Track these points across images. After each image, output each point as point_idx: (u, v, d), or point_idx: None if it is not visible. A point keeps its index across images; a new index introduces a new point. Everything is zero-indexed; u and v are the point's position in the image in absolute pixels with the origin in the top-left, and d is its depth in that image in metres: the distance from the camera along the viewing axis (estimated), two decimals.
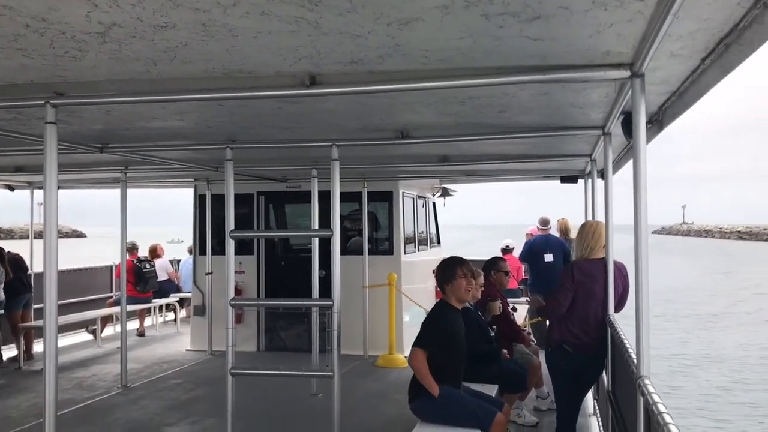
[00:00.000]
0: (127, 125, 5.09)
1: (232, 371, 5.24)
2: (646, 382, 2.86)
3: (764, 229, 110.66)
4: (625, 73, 3.00)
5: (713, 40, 2.62)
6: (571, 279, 4.93)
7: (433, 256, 10.86)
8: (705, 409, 12.54)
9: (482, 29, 2.55)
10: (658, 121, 4.31)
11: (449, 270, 4.82)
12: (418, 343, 4.65)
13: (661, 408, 2.48)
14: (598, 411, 6.34)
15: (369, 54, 2.95)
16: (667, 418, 2.36)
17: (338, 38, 2.71)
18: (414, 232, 10.66)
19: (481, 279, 5.93)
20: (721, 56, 2.74)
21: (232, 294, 5.38)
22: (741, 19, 2.33)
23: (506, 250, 12.08)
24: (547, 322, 6.69)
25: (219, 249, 9.26)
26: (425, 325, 4.76)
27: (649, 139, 4.73)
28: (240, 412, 5.63)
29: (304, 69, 3.25)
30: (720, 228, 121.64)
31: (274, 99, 3.94)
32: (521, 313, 10.00)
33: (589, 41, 2.71)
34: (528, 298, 9.94)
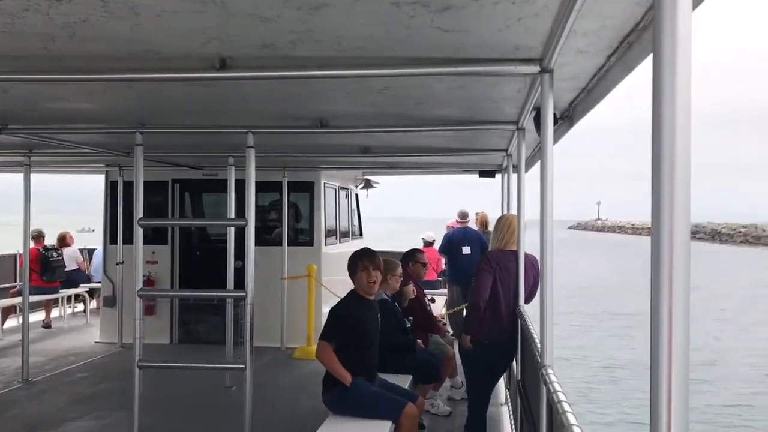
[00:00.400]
0: (28, 105, 4.82)
1: (140, 364, 5.08)
2: (549, 371, 2.93)
3: None
4: (535, 69, 3.04)
5: (617, 38, 2.69)
6: (489, 264, 5.04)
7: (355, 248, 10.82)
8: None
9: (393, 18, 2.52)
10: (568, 118, 4.42)
11: (352, 263, 4.87)
12: (323, 336, 4.66)
13: (561, 396, 2.54)
14: (509, 400, 6.49)
15: (281, 38, 2.88)
16: (566, 407, 2.42)
17: (247, 20, 2.62)
18: (336, 223, 10.60)
19: (399, 270, 5.96)
20: (624, 54, 2.82)
21: (140, 284, 5.22)
22: (641, 18, 2.40)
23: (427, 243, 12.21)
24: (464, 313, 6.81)
25: (130, 238, 8.93)
26: (331, 317, 4.75)
27: (560, 135, 4.85)
28: (149, 406, 5.47)
29: (214, 52, 3.15)
30: (632, 224, 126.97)
31: (185, 82, 3.81)
32: (439, 304, 10.15)
33: (499, 35, 2.73)
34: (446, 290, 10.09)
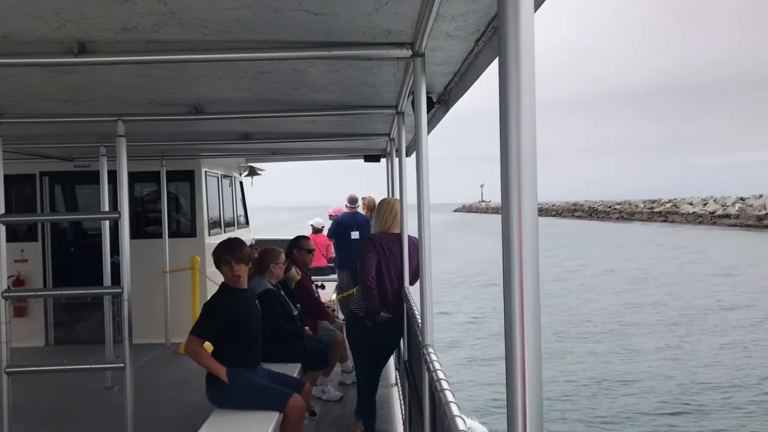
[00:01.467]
0: None
1: (7, 370, 4.76)
2: (430, 350, 2.99)
3: (552, 205, 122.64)
4: (407, 53, 3.06)
5: (483, 22, 2.75)
6: (373, 245, 5.08)
7: (242, 237, 10.62)
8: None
9: (259, 0, 2.45)
10: (444, 101, 4.50)
11: (215, 257, 4.71)
12: (193, 331, 4.50)
13: (440, 375, 2.60)
14: (399, 381, 6.60)
15: (142, 21, 2.74)
16: (444, 384, 2.48)
17: (103, 2, 2.48)
18: (219, 213, 10.33)
19: (282, 258, 5.90)
20: (491, 38, 2.89)
21: (5, 285, 4.88)
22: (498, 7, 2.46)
23: (316, 229, 12.16)
24: (353, 295, 6.82)
25: None
26: (204, 312, 4.60)
27: (438, 118, 4.95)
28: (21, 415, 5.14)
29: (71, 35, 2.95)
30: None
31: (43, 68, 3.56)
32: (329, 290, 10.14)
33: (369, 18, 2.72)
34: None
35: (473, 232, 67.72)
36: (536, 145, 1.16)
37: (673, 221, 79.10)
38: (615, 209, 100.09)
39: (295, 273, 6.31)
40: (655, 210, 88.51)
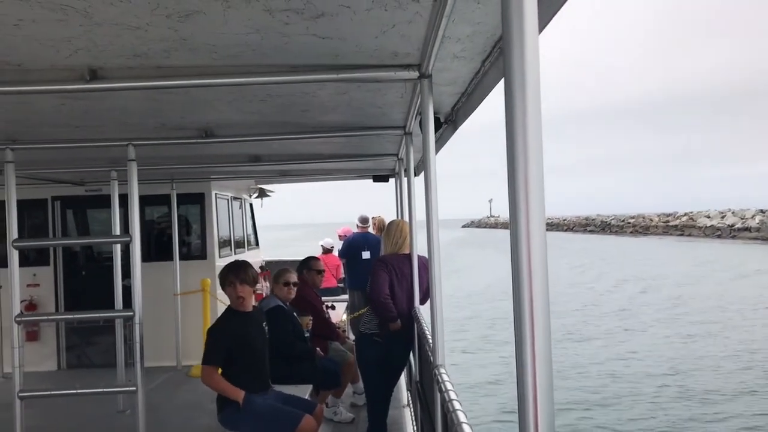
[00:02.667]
0: None
1: (21, 395, 4.78)
2: (441, 371, 2.98)
3: (563, 220, 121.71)
4: (414, 74, 3.09)
5: (489, 43, 2.78)
6: (384, 266, 5.10)
7: (252, 258, 10.65)
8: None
9: (268, 25, 2.49)
10: (452, 121, 4.53)
11: (221, 279, 4.73)
12: (205, 360, 4.49)
13: (452, 395, 2.59)
14: (410, 402, 6.56)
15: (153, 47, 2.78)
16: (456, 405, 2.47)
17: (115, 30, 2.52)
18: (230, 234, 10.37)
19: (289, 277, 5.91)
20: (498, 59, 2.92)
21: (17, 309, 4.92)
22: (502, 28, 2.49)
23: (326, 249, 12.18)
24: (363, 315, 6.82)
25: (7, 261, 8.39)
26: (209, 338, 4.58)
27: (446, 138, 4.97)
28: None
29: (83, 62, 3.00)
30: None
31: (55, 95, 3.62)
32: (340, 311, 10.14)
33: (376, 41, 2.75)
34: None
35: (485, 248, 66.37)
36: (543, 164, 1.17)
37: (690, 235, 77.85)
38: (629, 223, 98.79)
39: (306, 322, 6.26)
40: (671, 224, 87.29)
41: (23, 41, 2.66)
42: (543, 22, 1.97)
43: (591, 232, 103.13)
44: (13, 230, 4.93)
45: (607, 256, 52.46)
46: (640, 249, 60.12)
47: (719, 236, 71.91)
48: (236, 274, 4.62)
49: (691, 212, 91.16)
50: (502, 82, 3.07)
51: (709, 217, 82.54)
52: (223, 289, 4.72)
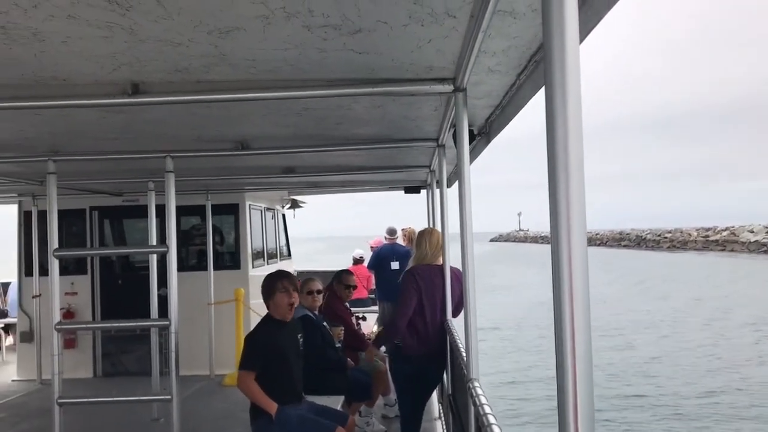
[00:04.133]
0: None
1: (59, 401, 4.88)
2: (476, 384, 2.97)
3: (596, 234, 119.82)
4: (449, 88, 3.11)
5: (525, 57, 2.79)
6: (415, 281, 5.06)
7: (284, 269, 10.71)
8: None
9: (306, 41, 2.54)
10: (486, 134, 4.53)
11: (269, 285, 4.69)
12: (242, 365, 4.49)
13: (487, 409, 2.58)
14: (442, 414, 6.53)
15: (193, 63, 2.85)
16: (492, 419, 2.46)
17: (157, 45, 2.59)
18: (263, 245, 10.47)
19: (317, 286, 5.96)
20: (533, 73, 2.93)
21: (57, 317, 5.04)
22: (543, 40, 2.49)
23: (357, 260, 12.22)
24: None
25: (47, 269, 8.59)
26: (247, 345, 4.58)
27: (479, 150, 4.97)
28: None
29: (125, 77, 3.08)
30: None
31: (97, 108, 3.71)
32: (370, 322, 10.14)
33: (412, 55, 2.78)
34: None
35: (518, 264, 63.51)
36: (584, 175, 1.17)
37: (732, 250, 74.86)
38: (665, 238, 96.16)
39: (338, 333, 6.28)
40: (711, 238, 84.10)
41: (69, 57, 2.74)
42: (583, 33, 1.98)
43: (625, 246, 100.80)
44: (53, 239, 5.05)
45: (660, 273, 48.08)
46: (692, 265, 55.87)
47: (766, 251, 68.63)
48: (290, 281, 4.65)
49: (733, 226, 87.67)
50: (536, 96, 3.08)
51: (752, 231, 79.12)
52: (271, 296, 4.64)
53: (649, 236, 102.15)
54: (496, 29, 2.35)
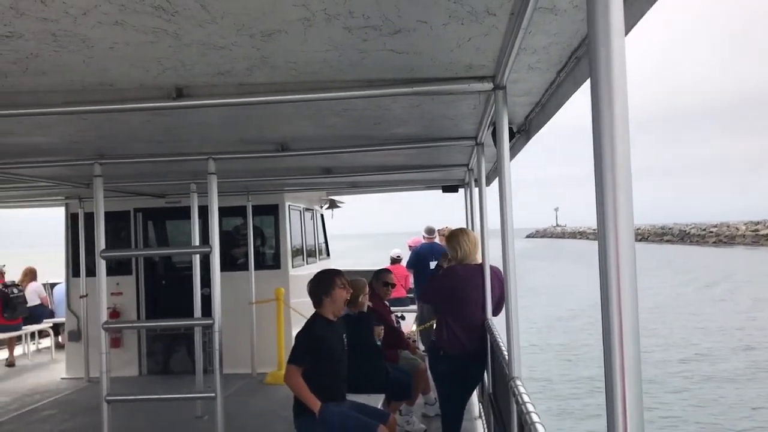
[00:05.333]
0: None
1: (108, 398, 5.00)
2: (518, 383, 2.96)
3: (637, 229, 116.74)
4: (488, 86, 3.11)
5: (565, 54, 2.77)
6: (449, 279, 5.10)
7: (323, 268, 10.79)
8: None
9: (346, 42, 2.56)
10: (525, 131, 4.50)
11: (328, 281, 4.76)
12: (291, 360, 4.58)
13: (530, 408, 2.58)
14: (482, 413, 6.51)
15: (236, 66, 2.90)
16: (534, 417, 2.45)
17: (201, 49, 2.64)
18: (302, 245, 10.57)
19: (367, 288, 5.99)
20: (573, 69, 2.90)
21: (105, 317, 5.17)
22: (587, 35, 2.47)
23: (394, 260, 12.25)
24: (434, 326, 6.86)
25: (94, 270, 8.81)
26: (298, 341, 4.67)
27: (518, 148, 4.94)
28: None
29: (170, 81, 3.15)
30: (593, 229, 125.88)
31: (142, 112, 3.80)
32: (409, 321, 10.16)
33: (451, 54, 2.78)
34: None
35: (559, 261, 60.56)
36: (631, 169, 1.17)
37: None
38: (711, 232, 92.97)
39: (380, 332, 6.28)
40: (761, 233, 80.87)
41: (116, 63, 2.82)
42: (629, 25, 1.96)
43: (668, 242, 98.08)
44: (101, 240, 5.17)
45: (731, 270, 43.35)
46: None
47: None
48: (345, 277, 4.83)
49: None
50: (576, 93, 3.05)
51: None
52: (330, 292, 4.72)
53: (693, 231, 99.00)
54: (537, 26, 2.34)
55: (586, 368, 16.23)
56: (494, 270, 5.07)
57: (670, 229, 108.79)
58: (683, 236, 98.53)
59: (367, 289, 6.01)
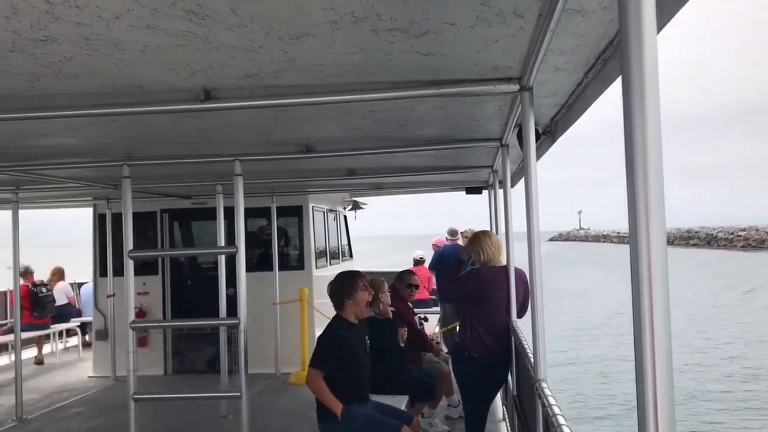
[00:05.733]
0: (15, 143, 4.84)
1: (135, 396, 5.06)
2: (543, 385, 2.95)
3: None
4: (515, 87, 3.10)
5: (593, 55, 2.75)
6: (471, 281, 5.08)
7: (346, 269, 10.83)
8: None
9: (373, 44, 2.58)
10: (551, 133, 4.48)
11: (349, 283, 4.74)
12: (312, 363, 4.58)
13: (556, 410, 2.56)
14: (506, 416, 6.48)
15: (264, 68, 2.93)
16: (561, 420, 2.44)
17: (230, 52, 2.67)
18: (325, 246, 10.62)
19: (386, 288, 6.00)
20: (601, 71, 2.89)
21: (132, 316, 5.23)
22: (615, 35, 2.47)
23: (417, 261, 12.23)
24: (457, 328, 6.86)
25: (121, 270, 8.93)
26: (319, 344, 4.66)
27: (543, 150, 4.92)
28: None
29: (198, 83, 3.19)
30: (618, 233, 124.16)
31: (170, 114, 3.85)
32: (432, 322, 10.14)
33: (478, 56, 2.79)
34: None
35: (585, 266, 58.08)
36: (663, 171, 1.15)
37: None
38: (739, 236, 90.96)
39: (403, 333, 6.28)
40: None
41: (147, 66, 2.86)
42: (660, 25, 1.95)
43: (694, 245, 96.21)
44: (128, 241, 5.24)
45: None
46: None
47: None
48: (365, 278, 4.84)
49: None
50: (604, 94, 3.03)
51: None
52: (352, 294, 4.70)
53: (720, 234, 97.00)
54: (564, 28, 2.34)
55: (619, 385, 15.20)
56: (518, 272, 5.05)
57: (696, 232, 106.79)
58: (710, 240, 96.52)
59: (386, 287, 6.02)
